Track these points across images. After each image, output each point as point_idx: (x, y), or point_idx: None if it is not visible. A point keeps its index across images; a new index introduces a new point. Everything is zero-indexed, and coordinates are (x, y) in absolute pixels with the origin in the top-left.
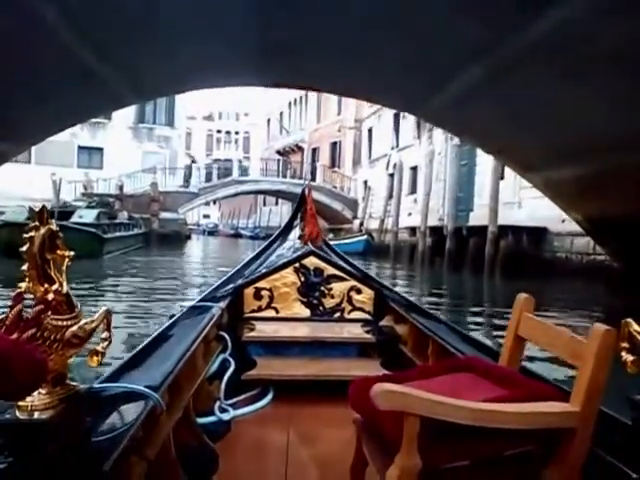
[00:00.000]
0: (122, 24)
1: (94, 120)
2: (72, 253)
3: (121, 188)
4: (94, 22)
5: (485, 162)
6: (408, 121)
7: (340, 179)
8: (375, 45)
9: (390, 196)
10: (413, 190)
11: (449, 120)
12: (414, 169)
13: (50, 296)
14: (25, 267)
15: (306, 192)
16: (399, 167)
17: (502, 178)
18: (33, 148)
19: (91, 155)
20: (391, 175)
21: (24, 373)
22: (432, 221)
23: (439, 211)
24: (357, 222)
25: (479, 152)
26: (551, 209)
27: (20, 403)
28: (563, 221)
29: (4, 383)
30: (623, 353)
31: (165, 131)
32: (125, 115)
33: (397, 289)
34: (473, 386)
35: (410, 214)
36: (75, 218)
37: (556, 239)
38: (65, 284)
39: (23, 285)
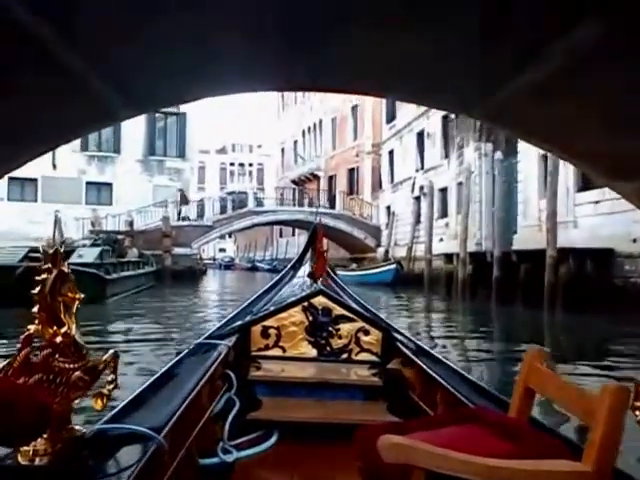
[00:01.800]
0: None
1: (102, 154)
2: (82, 295)
3: (131, 224)
4: (69, 10)
5: (529, 177)
6: (434, 140)
7: (359, 206)
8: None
9: (417, 221)
10: (444, 214)
11: (516, 119)
12: (443, 191)
13: (58, 339)
14: (35, 309)
15: (317, 228)
16: (429, 189)
17: None
18: (40, 185)
19: (100, 191)
20: (417, 198)
21: (28, 419)
22: (469, 246)
23: (475, 235)
24: (381, 250)
25: (520, 167)
26: (616, 227)
27: (22, 448)
28: (634, 240)
29: (7, 428)
30: (637, 412)
31: (176, 163)
32: (134, 148)
33: (437, 326)
34: (481, 439)
35: (441, 239)
36: (74, 258)
37: (627, 262)
38: (74, 327)
39: (32, 327)
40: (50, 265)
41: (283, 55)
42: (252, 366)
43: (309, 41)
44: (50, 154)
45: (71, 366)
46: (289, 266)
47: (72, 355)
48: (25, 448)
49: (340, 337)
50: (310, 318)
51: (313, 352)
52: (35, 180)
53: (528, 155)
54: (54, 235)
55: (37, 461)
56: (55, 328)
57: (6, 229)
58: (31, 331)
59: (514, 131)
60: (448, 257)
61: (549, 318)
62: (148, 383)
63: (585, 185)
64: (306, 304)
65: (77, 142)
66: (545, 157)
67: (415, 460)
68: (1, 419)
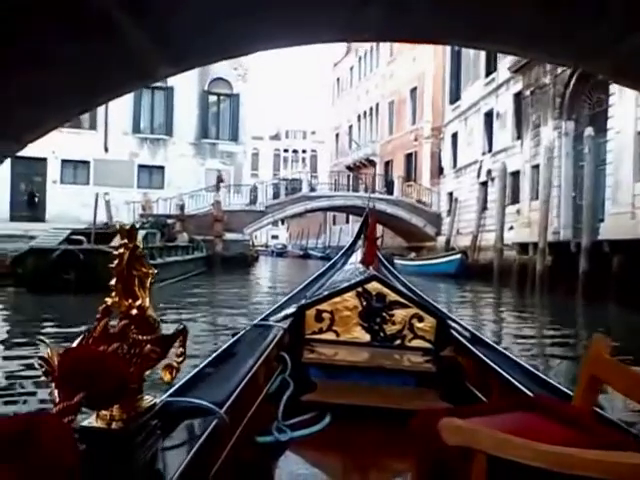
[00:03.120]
0: None
1: (155, 137)
2: (156, 271)
3: (182, 208)
4: None
5: (621, 158)
6: (504, 120)
7: (417, 192)
8: None
9: (484, 208)
10: (515, 200)
11: None
12: (515, 175)
13: (134, 311)
14: (113, 282)
15: (369, 214)
16: (501, 172)
17: None
18: (92, 168)
19: (152, 174)
20: (483, 184)
21: (109, 384)
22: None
23: (552, 223)
24: (441, 239)
25: (611, 146)
26: None
27: (101, 412)
28: None
29: (91, 391)
30: None
31: (229, 146)
32: (187, 131)
33: (514, 325)
34: (543, 427)
35: (511, 228)
36: (116, 242)
37: None
38: (148, 300)
39: (109, 300)
40: (126, 240)
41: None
42: (306, 349)
43: None
44: (102, 136)
45: (145, 338)
46: (341, 252)
47: (146, 327)
48: (104, 412)
49: (394, 323)
50: (364, 303)
51: (366, 337)
52: (87, 163)
53: (622, 133)
54: (95, 216)
55: (113, 425)
56: (130, 301)
57: (58, 212)
58: (109, 303)
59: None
60: (522, 247)
61: None
62: (208, 361)
63: None
64: (360, 289)
65: (129, 124)
66: None
67: (477, 443)
68: (85, 384)
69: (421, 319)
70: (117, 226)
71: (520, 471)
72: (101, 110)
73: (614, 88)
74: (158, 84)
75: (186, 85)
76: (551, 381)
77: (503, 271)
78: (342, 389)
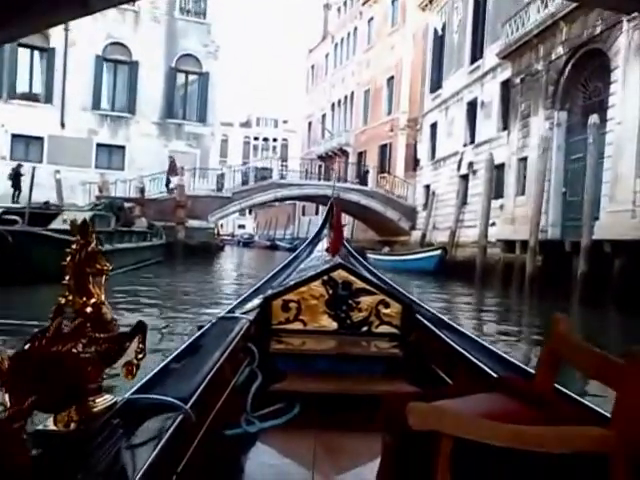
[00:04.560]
0: None
1: (115, 114)
2: (111, 267)
3: (142, 191)
4: None
5: (621, 151)
6: (489, 110)
7: (391, 184)
8: None
9: (464, 202)
10: (498, 194)
11: None
12: (499, 168)
13: (88, 309)
14: (65, 280)
15: (334, 203)
16: (489, 163)
17: None
18: (45, 145)
19: (111, 154)
20: (463, 177)
21: (64, 385)
22: (525, 233)
23: (540, 220)
24: (416, 234)
25: (610, 138)
26: None
27: (59, 414)
28: None
29: (45, 394)
30: None
31: (196, 128)
32: (151, 109)
33: (516, 334)
34: (506, 406)
35: (493, 224)
36: (56, 224)
37: None
38: (103, 297)
39: (62, 298)
40: (78, 236)
41: None
42: (273, 339)
43: None
44: (59, 111)
45: (101, 336)
46: (308, 241)
47: (102, 325)
48: (62, 415)
49: (360, 310)
50: (330, 291)
51: (334, 325)
52: (41, 139)
53: (624, 123)
54: (30, 194)
55: (72, 426)
56: (85, 299)
57: (4, 191)
58: (62, 302)
59: None
60: (508, 245)
61: None
62: (172, 356)
63: None
64: (326, 278)
65: (88, 99)
66: None
67: (443, 426)
68: (37, 387)
69: (387, 305)
70: (67, 213)
71: (484, 451)
72: (58, 83)
73: (616, 75)
74: (122, 58)
75: (152, 60)
76: (515, 361)
77: (486, 270)
78: (311, 378)
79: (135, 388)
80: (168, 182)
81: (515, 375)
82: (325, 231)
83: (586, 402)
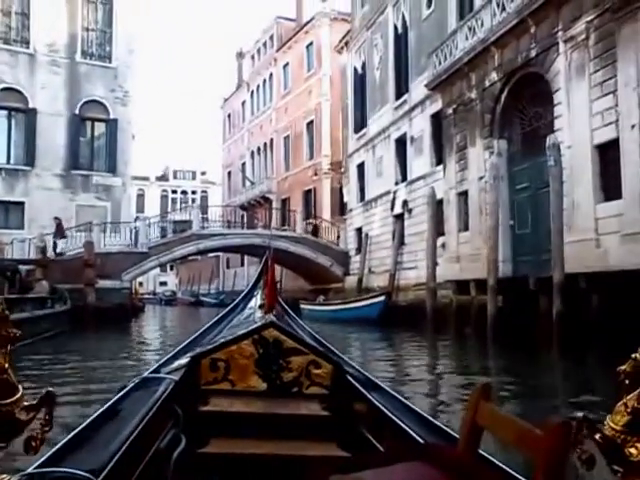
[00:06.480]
0: None
1: (12, 167)
2: (18, 332)
3: (43, 251)
4: None
5: (576, 176)
6: (420, 145)
7: (319, 229)
8: None
9: (401, 243)
10: (439, 232)
11: None
12: (438, 204)
13: None
14: None
15: (269, 257)
16: (430, 199)
17: (609, 199)
18: None
19: (8, 211)
20: (398, 216)
21: None
22: (478, 270)
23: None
24: (350, 279)
25: (566, 163)
26: None
27: None
28: None
29: None
30: (579, 449)
31: (105, 179)
32: (53, 160)
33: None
34: (428, 476)
35: (436, 264)
36: None
37: None
38: (7, 365)
39: None
40: None
41: None
42: (200, 401)
43: None
44: None
45: (4, 409)
46: (240, 297)
47: (4, 395)
48: None
49: (291, 370)
50: (260, 351)
51: (263, 386)
52: None
53: (575, 147)
54: None
55: None
56: None
57: None
58: None
59: None
60: (460, 285)
61: None
62: (87, 422)
63: None
64: (256, 336)
65: None
66: (602, 147)
67: None
68: None
69: (318, 365)
70: None
71: None
72: None
73: (559, 97)
74: (17, 105)
75: (52, 107)
76: (441, 426)
77: (436, 314)
78: (238, 441)
79: (39, 462)
80: (55, 246)
81: (440, 441)
82: (259, 286)
83: (508, 469)
